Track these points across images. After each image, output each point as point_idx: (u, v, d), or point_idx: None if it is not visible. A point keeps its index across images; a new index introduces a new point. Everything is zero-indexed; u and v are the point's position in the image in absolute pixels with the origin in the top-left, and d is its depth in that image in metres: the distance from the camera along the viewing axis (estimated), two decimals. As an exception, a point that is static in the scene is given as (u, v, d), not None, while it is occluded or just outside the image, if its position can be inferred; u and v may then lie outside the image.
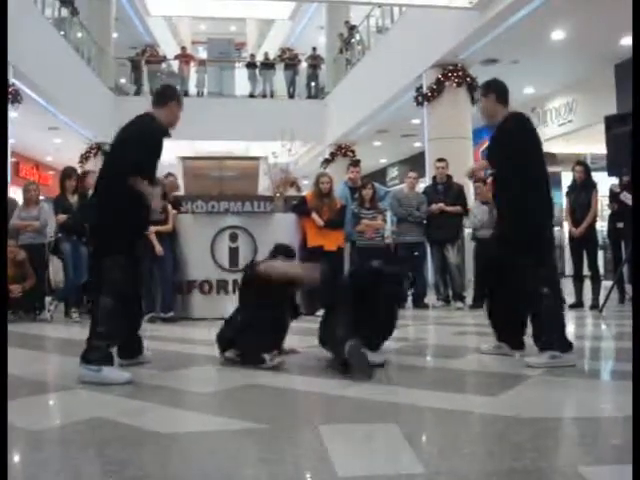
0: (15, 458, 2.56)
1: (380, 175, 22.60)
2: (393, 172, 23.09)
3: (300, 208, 8.40)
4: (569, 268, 14.22)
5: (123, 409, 3.18)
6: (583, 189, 8.25)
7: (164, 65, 21.20)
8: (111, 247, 4.16)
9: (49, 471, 2.27)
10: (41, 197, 8.90)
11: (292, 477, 2.23)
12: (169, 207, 7.95)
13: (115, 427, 2.83)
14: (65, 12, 16.53)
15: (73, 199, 8.16)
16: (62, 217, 8.01)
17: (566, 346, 4.14)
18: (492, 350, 4.62)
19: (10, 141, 12.64)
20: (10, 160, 12.97)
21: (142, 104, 10.94)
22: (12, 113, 12.59)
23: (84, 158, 18.05)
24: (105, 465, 2.32)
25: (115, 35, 20.84)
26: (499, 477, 2.15)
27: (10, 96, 12.21)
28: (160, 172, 9.32)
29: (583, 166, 8.45)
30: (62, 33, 15.97)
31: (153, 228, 7.72)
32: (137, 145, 4.15)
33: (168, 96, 4.49)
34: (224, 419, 2.97)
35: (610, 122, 7.86)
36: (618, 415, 2.90)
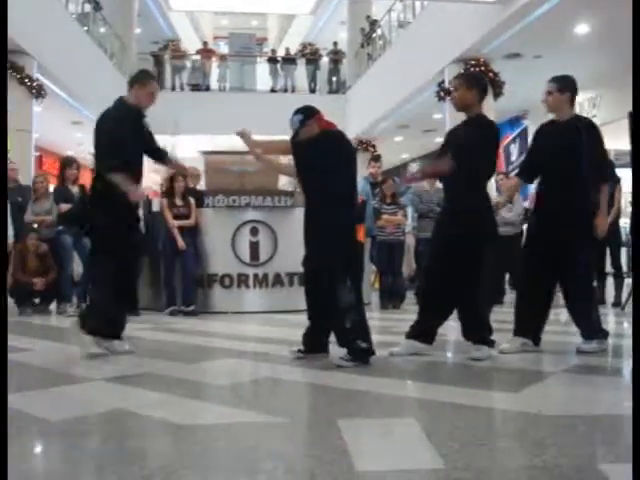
0: (36, 449, 2.59)
1: (401, 170, 22.53)
2: (414, 168, 22.99)
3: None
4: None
5: (144, 401, 3.20)
6: (607, 185, 8.15)
7: (187, 60, 21.27)
8: (99, 246, 4.60)
9: (69, 462, 2.30)
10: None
11: (311, 471, 2.24)
12: (192, 202, 8.00)
13: (136, 419, 2.86)
14: (88, 7, 16.64)
15: (74, 189, 8.03)
16: (64, 207, 7.64)
17: (605, 333, 4.59)
18: (514, 349, 4.53)
19: (34, 135, 12.75)
20: (34, 154, 13.09)
21: (164, 98, 10.98)
22: (36, 108, 12.70)
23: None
24: (125, 456, 2.34)
25: (138, 30, 20.92)
26: (519, 473, 2.14)
27: (34, 91, 12.34)
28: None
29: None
30: (85, 28, 16.09)
31: (176, 222, 7.78)
32: (107, 142, 4.54)
33: (133, 80, 4.83)
34: (243, 412, 2.98)
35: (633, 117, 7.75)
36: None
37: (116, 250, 4.49)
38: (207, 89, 20.13)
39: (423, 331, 4.45)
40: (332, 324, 4.21)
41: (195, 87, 19.97)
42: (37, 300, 8.24)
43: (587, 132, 4.62)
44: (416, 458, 2.26)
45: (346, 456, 2.25)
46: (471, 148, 4.20)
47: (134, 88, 4.74)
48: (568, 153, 4.56)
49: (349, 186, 4.38)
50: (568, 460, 2.24)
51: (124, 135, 4.51)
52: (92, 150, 4.75)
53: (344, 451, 2.31)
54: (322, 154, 4.21)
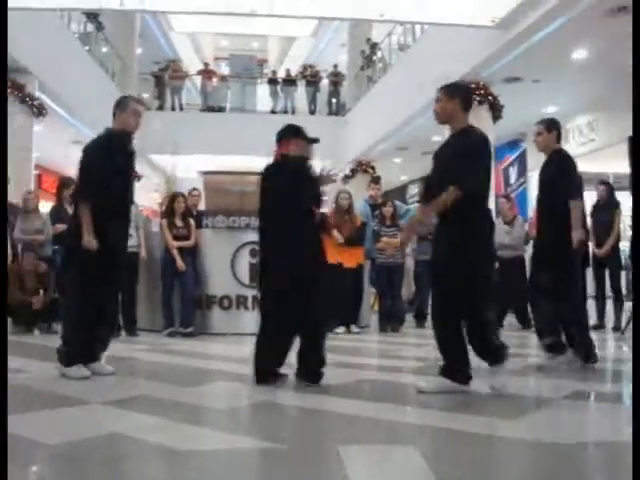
0: (31, 472, 2.56)
1: (400, 192, 22.56)
2: (413, 189, 23.02)
3: (321, 225, 8.39)
4: (591, 288, 14.12)
5: (140, 425, 3.17)
6: (607, 208, 8.18)
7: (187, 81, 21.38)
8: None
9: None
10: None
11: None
12: (192, 223, 7.99)
13: (132, 443, 2.83)
14: (90, 27, 16.74)
15: (71, 209, 8.05)
16: (60, 227, 7.68)
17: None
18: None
19: (34, 154, 12.76)
20: (33, 173, 13.10)
21: (164, 118, 10.95)
22: (36, 126, 12.73)
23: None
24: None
25: (139, 50, 21.05)
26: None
27: (35, 109, 12.36)
28: (184, 187, 9.39)
29: (606, 185, 8.38)
30: (87, 48, 16.17)
31: (176, 243, 7.77)
32: (86, 170, 4.64)
33: (117, 107, 4.82)
34: (241, 437, 2.94)
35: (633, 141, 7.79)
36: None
37: (93, 275, 4.57)
38: (207, 109, 20.20)
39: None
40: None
41: (211, 109, 19.99)
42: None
43: (560, 163, 5.21)
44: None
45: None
46: (460, 164, 3.90)
47: (116, 115, 4.79)
48: (549, 186, 5.20)
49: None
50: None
51: (104, 165, 4.60)
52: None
53: (345, 478, 2.28)
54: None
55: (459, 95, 4.14)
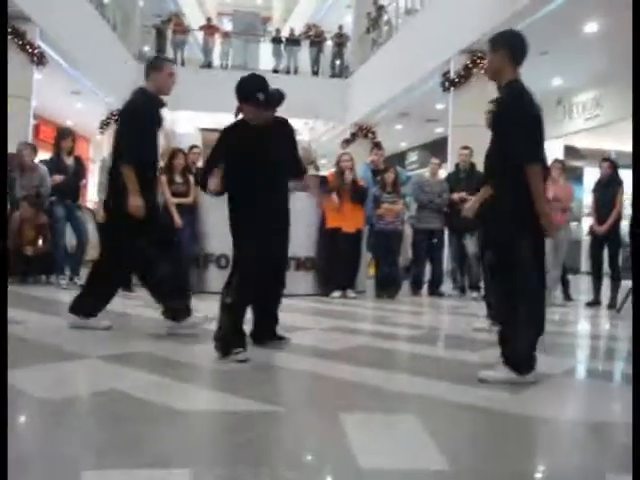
0: (30, 429, 2.55)
1: (400, 159, 22.45)
2: (413, 157, 22.93)
3: (321, 187, 8.36)
4: (585, 264, 14.14)
5: (139, 383, 3.15)
6: (609, 186, 8.14)
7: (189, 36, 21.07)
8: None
9: (66, 445, 2.25)
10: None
11: (314, 466, 2.21)
12: (191, 180, 7.91)
13: (131, 401, 2.81)
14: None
15: (69, 160, 7.98)
16: (58, 178, 7.77)
17: None
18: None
19: (32, 103, 12.60)
20: (32, 122, 12.94)
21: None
22: (36, 75, 12.55)
23: (104, 124, 18.04)
24: (122, 441, 2.30)
25: (141, 2, 20.71)
26: (522, 478, 2.11)
27: (35, 58, 12.17)
28: (183, 144, 9.28)
29: (610, 162, 8.32)
30: (89, -2, 15.88)
31: (175, 200, 7.70)
32: (129, 132, 4.46)
33: (150, 67, 4.68)
34: (240, 399, 2.93)
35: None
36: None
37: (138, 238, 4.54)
38: (209, 66, 19.93)
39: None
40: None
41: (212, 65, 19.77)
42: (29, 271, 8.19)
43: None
44: (421, 457, 2.22)
45: (350, 452, 2.21)
46: (500, 129, 3.55)
47: (151, 75, 4.63)
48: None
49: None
50: (574, 466, 2.22)
51: (147, 126, 4.49)
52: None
53: (347, 446, 2.27)
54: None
55: (504, 47, 3.57)
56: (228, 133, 4.21)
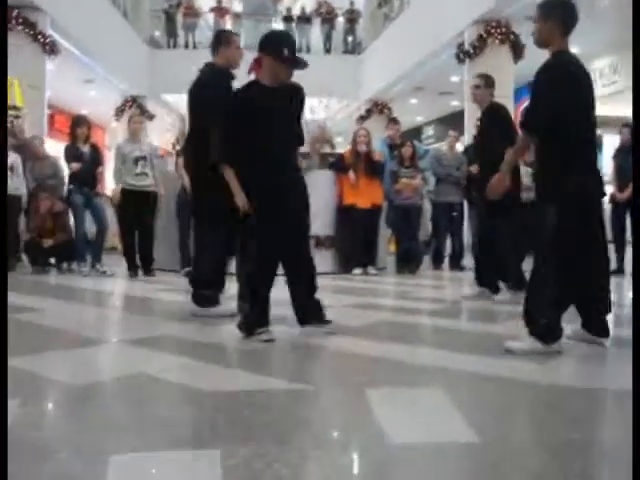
0: (56, 412, 2.56)
1: (416, 133, 22.29)
2: (429, 131, 22.77)
3: (338, 165, 8.32)
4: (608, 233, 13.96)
5: (164, 365, 3.15)
6: (630, 152, 8.00)
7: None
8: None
9: (92, 428, 2.25)
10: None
11: (342, 443, 2.20)
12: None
13: (157, 383, 2.81)
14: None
15: (85, 148, 7.97)
16: (75, 165, 7.73)
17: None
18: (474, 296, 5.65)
19: (46, 94, 12.61)
20: (46, 112, 12.97)
21: (176, 57, 10.80)
22: (49, 65, 12.56)
23: (119, 111, 18.06)
24: (149, 423, 2.30)
25: (151, -13, 20.64)
26: (552, 448, 2.08)
27: (47, 47, 12.16)
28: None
29: (630, 128, 8.18)
30: (98, -16, 15.83)
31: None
32: (214, 122, 3.99)
33: (216, 43, 4.64)
34: (267, 378, 2.93)
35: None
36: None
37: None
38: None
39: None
40: None
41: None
42: (52, 260, 8.24)
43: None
44: (450, 430, 2.20)
45: (379, 427, 2.19)
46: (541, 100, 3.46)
47: (220, 50, 4.58)
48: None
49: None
50: (605, 435, 2.19)
51: (228, 97, 4.13)
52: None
53: (375, 422, 2.25)
54: None
55: (552, 17, 3.51)
56: (242, 94, 3.88)
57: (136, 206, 7.67)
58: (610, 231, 8.60)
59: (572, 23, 3.54)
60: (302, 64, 3.76)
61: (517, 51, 11.93)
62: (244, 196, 3.82)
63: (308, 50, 20.40)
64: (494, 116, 5.56)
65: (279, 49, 3.70)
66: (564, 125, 3.37)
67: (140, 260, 7.83)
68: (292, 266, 3.93)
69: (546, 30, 3.53)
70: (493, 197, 4.08)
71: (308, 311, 3.95)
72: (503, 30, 11.85)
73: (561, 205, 3.40)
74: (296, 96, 3.91)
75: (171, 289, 6.54)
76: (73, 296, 6.15)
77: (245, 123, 3.75)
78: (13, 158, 7.94)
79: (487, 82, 5.69)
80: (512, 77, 12.05)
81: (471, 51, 12.30)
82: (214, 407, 2.49)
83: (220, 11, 20.82)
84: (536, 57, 10.21)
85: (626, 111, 14.42)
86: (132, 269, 7.77)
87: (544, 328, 3.38)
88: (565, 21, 3.53)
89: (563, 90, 3.38)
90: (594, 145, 3.62)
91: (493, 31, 11.88)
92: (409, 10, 16.52)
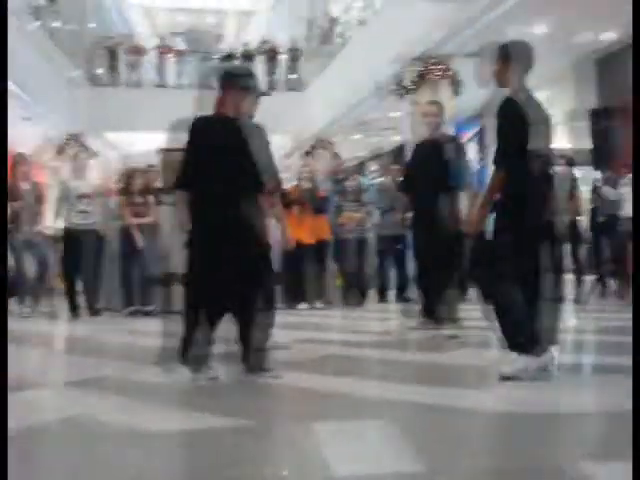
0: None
1: (360, 168, 22.48)
2: (373, 165, 22.99)
3: (282, 201, 8.33)
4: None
5: (106, 406, 3.07)
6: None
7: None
8: None
9: (37, 472, 2.17)
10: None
11: (285, 478, 2.16)
12: (150, 200, 7.84)
13: (98, 425, 2.73)
14: (42, 0, 16.22)
15: (25, 186, 7.88)
16: (15, 205, 7.60)
17: None
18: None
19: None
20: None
21: (119, 95, 10.69)
22: (-14, 102, 12.30)
23: (60, 149, 17.77)
24: (93, 466, 2.22)
25: (92, 25, 20.53)
26: (502, 476, 2.08)
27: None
28: (141, 165, 9.15)
29: (565, 160, 8.45)
30: (39, 22, 15.67)
31: (135, 220, 7.61)
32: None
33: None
34: (210, 416, 2.87)
35: (596, 116, 7.85)
36: (614, 410, 2.83)
37: None
38: (164, 86, 19.79)
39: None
40: None
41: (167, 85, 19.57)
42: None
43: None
44: (395, 461, 2.18)
45: (323, 461, 2.16)
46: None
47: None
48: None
49: None
50: (552, 461, 2.20)
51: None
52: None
53: (321, 456, 2.22)
54: None
55: (512, 58, 3.60)
56: (202, 126, 3.68)
57: (79, 245, 7.55)
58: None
59: (529, 64, 3.62)
60: (263, 94, 3.72)
61: (456, 86, 12.22)
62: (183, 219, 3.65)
63: (252, 87, 20.51)
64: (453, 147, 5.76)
65: (251, 83, 3.67)
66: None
67: (86, 301, 7.71)
68: (236, 314, 3.76)
69: (504, 71, 3.59)
70: (469, 231, 4.00)
71: (253, 362, 3.67)
72: (441, 66, 12.13)
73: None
74: (259, 130, 3.72)
75: (113, 329, 6.42)
76: (14, 338, 5.96)
77: (199, 154, 3.62)
78: None
79: (442, 110, 5.96)
80: (452, 111, 12.30)
81: (410, 87, 12.53)
82: (155, 448, 2.43)
83: (163, 49, 20.82)
84: (475, 93, 10.42)
85: (558, 144, 14.89)
86: (73, 310, 7.61)
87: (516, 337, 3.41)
88: (523, 62, 3.60)
89: (519, 128, 3.42)
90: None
91: (432, 67, 12.15)
92: (350, 47, 16.79)
